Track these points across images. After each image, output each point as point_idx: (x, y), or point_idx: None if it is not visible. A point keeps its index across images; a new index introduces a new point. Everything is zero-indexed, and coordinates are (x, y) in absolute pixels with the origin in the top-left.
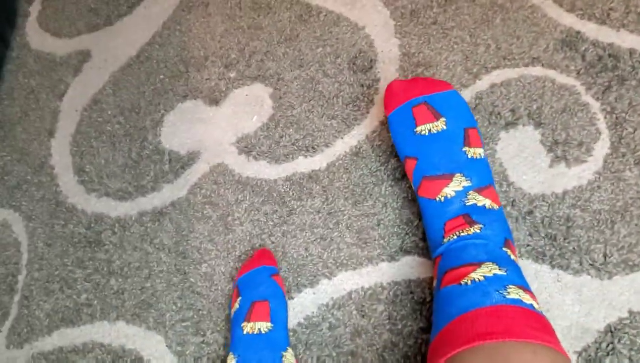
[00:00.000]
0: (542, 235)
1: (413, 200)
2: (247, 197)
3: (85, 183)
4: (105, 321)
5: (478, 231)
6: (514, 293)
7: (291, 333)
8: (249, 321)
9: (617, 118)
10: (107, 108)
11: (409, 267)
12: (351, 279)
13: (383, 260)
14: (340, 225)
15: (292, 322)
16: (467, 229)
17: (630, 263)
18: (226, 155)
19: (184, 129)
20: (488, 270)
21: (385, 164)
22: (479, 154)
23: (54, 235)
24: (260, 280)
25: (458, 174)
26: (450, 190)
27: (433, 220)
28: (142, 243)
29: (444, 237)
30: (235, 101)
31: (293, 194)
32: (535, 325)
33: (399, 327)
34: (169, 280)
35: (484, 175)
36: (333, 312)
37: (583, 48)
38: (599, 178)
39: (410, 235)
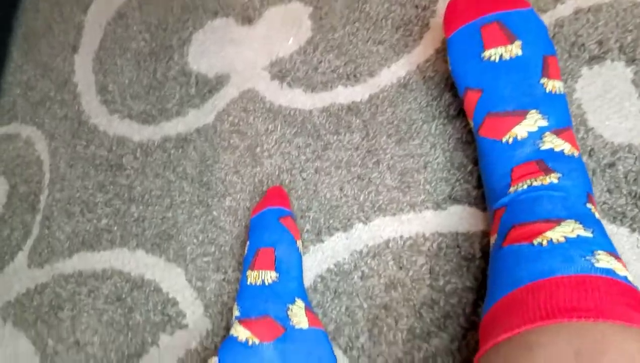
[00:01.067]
0: (624, 192)
1: (467, 142)
2: (279, 128)
3: (108, 104)
4: (125, 248)
5: (555, 181)
6: (604, 261)
7: (319, 280)
8: (252, 269)
9: None
10: (133, 23)
11: (458, 217)
12: (390, 226)
13: (428, 208)
14: (380, 165)
15: (321, 267)
16: (541, 178)
17: None
18: (258, 81)
19: (213, 50)
20: (570, 229)
21: (438, 99)
22: (559, 88)
23: (76, 156)
24: (266, 223)
25: (533, 111)
26: (522, 129)
27: (497, 165)
28: (164, 171)
29: (510, 186)
30: (271, 21)
31: (329, 127)
32: (634, 304)
33: (441, 283)
34: (191, 211)
35: (563, 115)
36: (367, 260)
37: None
38: None
39: (462, 181)
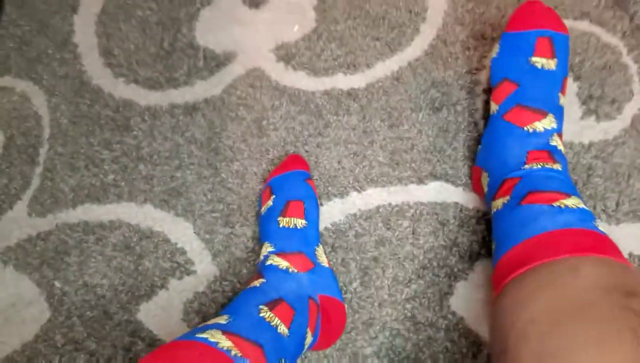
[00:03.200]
0: None
1: (447, 131)
2: (284, 105)
3: (112, 67)
4: (132, 203)
5: (560, 168)
6: (599, 226)
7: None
8: (284, 216)
9: None
10: None
11: (436, 191)
12: (380, 195)
13: (412, 182)
14: (374, 145)
15: (320, 226)
16: (551, 164)
17: (639, 213)
18: (264, 61)
19: (220, 27)
20: (577, 202)
21: (425, 93)
22: (564, 102)
23: (79, 113)
24: (295, 182)
25: (551, 115)
26: (541, 125)
27: (514, 144)
28: (173, 135)
29: (525, 164)
30: (277, 7)
31: (330, 108)
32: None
33: (421, 241)
34: (200, 173)
35: (562, 123)
36: (360, 221)
37: (633, 10)
38: (625, 135)
39: (442, 162)
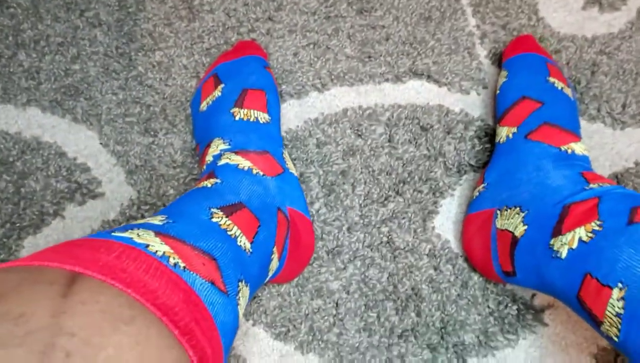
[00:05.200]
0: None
1: (429, 18)
2: None
3: None
4: (10, 105)
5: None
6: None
7: None
8: (241, 107)
9: None
10: None
11: (416, 91)
12: (347, 96)
13: (387, 80)
14: (340, 33)
15: None
16: (607, 185)
17: None
18: None
19: None
20: None
21: None
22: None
23: None
24: (252, 68)
25: (580, 140)
26: (579, 148)
27: (560, 166)
28: (68, 14)
29: (588, 183)
30: None
31: None
32: None
33: (399, 151)
34: (107, 65)
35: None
36: (323, 127)
37: None
38: (631, 28)
39: (423, 56)
